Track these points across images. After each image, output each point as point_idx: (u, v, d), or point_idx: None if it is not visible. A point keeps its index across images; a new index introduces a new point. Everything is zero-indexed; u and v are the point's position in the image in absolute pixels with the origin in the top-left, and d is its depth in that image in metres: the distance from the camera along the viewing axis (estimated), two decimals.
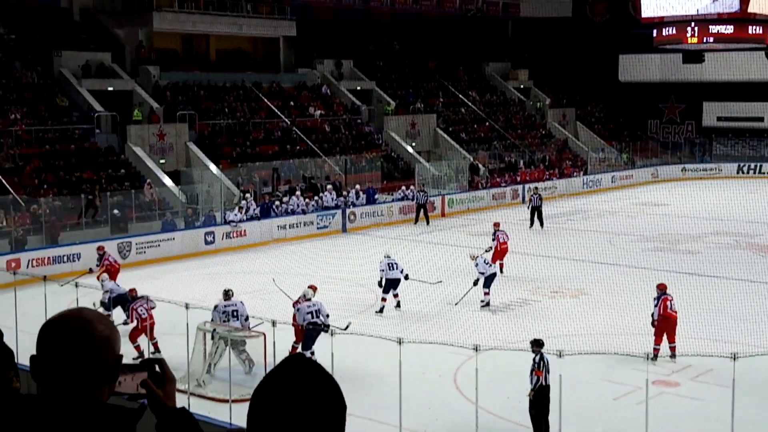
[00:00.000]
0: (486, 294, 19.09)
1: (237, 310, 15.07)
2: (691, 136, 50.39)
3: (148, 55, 36.14)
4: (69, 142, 29.57)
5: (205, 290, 19.32)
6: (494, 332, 16.68)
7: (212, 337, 14.53)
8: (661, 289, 15.43)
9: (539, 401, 11.75)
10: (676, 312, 15.25)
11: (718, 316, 17.82)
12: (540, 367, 11.75)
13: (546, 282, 21.58)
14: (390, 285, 18.90)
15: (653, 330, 15.20)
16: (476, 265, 19.13)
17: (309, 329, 14.61)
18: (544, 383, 11.72)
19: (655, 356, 14.63)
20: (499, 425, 12.31)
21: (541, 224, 30.56)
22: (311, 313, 14.94)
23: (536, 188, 32.21)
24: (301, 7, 41.72)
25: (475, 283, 19.06)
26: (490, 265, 19.39)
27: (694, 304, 18.76)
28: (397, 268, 18.94)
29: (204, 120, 33.95)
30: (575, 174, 41.72)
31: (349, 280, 20.86)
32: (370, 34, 45.63)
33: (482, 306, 19.08)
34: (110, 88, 33.19)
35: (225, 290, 15.50)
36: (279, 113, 36.40)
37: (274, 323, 13.39)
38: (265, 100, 36.80)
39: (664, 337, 15.14)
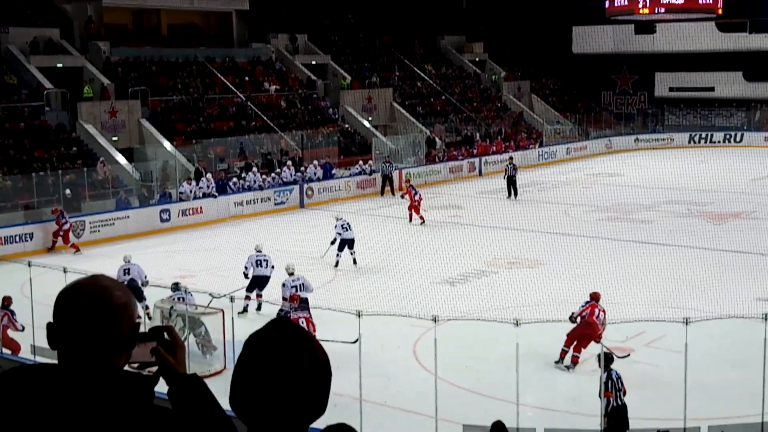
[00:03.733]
0: (338, 255, 20.64)
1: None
2: (643, 106, 51.00)
3: (98, 30, 35.42)
4: (18, 120, 28.97)
5: (160, 268, 19.13)
6: (452, 303, 16.82)
7: (170, 315, 14.42)
8: (594, 297, 13.62)
9: (616, 424, 10.78)
10: (602, 325, 13.21)
11: (671, 283, 18.19)
12: (609, 387, 10.80)
13: (503, 253, 21.76)
14: (345, 244, 20.64)
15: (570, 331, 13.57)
16: (335, 226, 20.79)
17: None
18: (616, 404, 10.83)
19: (562, 359, 13.63)
20: (458, 395, 12.43)
21: (515, 194, 30.79)
22: (295, 287, 15.30)
23: (511, 158, 32.34)
24: None
25: (332, 243, 20.81)
26: (346, 230, 20.67)
27: (648, 272, 19.16)
28: (351, 229, 20.71)
29: (156, 96, 33.46)
30: (531, 146, 41.99)
31: (308, 255, 20.84)
32: (324, 8, 45.22)
33: (335, 266, 20.55)
34: (59, 65, 32.48)
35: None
36: (233, 89, 36.01)
37: (232, 299, 13.38)
38: (219, 75, 36.36)
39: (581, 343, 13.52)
